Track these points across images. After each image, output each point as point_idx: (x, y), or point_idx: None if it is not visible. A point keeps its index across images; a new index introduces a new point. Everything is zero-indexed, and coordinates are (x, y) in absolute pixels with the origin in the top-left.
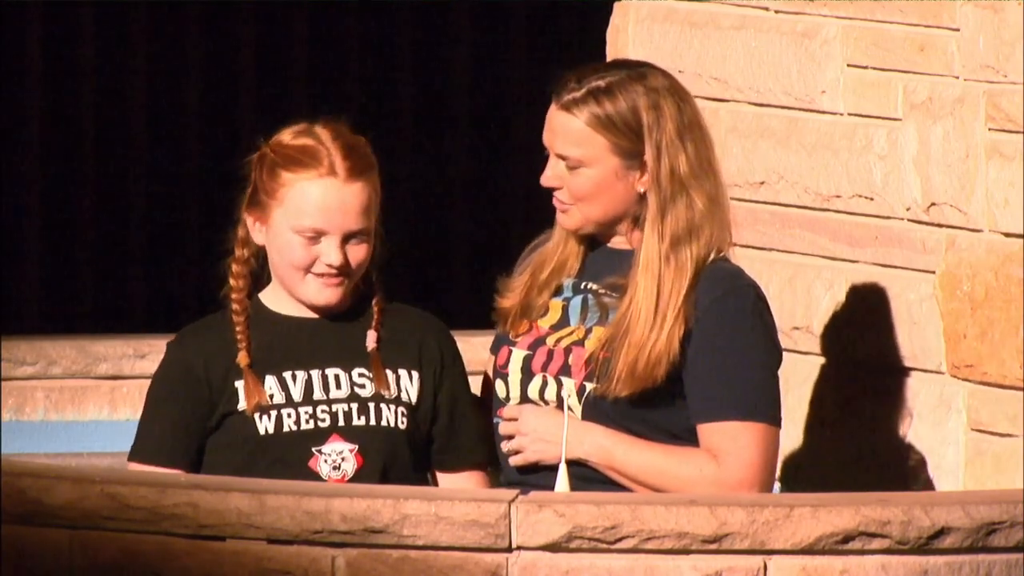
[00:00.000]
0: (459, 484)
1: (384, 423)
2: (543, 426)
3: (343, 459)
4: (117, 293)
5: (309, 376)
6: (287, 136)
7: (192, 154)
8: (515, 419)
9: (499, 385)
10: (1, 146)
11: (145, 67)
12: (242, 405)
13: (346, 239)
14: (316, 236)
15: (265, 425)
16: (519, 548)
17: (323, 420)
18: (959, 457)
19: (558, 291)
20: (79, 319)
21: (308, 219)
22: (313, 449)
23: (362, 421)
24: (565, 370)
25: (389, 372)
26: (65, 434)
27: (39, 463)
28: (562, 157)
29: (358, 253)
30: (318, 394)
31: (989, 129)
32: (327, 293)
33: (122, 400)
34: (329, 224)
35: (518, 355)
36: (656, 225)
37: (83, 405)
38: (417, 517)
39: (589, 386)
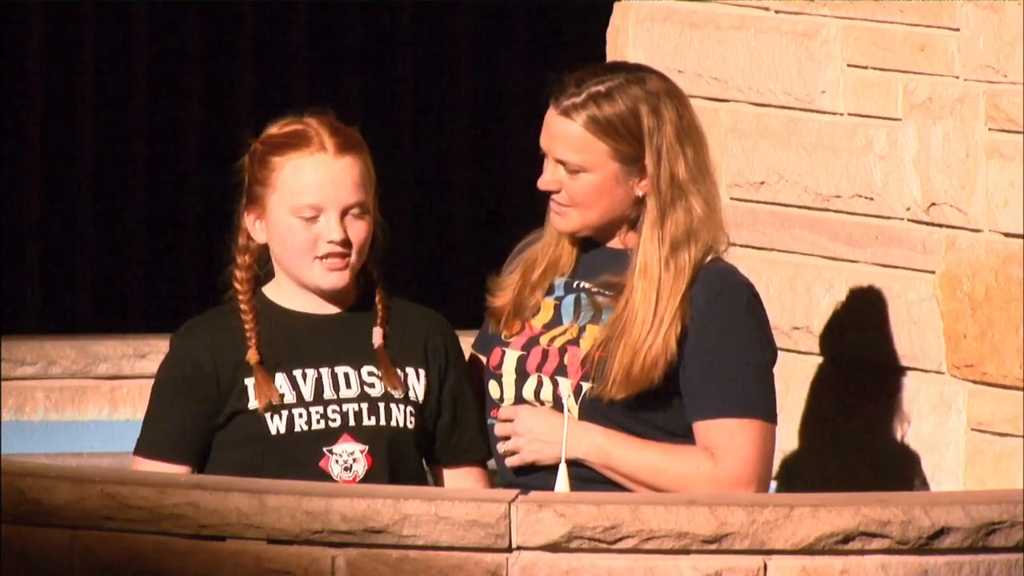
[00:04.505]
0: (459, 480)
1: (394, 423)
2: (539, 427)
3: (354, 459)
4: (117, 293)
5: (319, 374)
6: (275, 128)
7: (192, 154)
8: (510, 420)
9: (492, 386)
10: (1, 146)
11: (145, 67)
12: (252, 403)
13: (344, 213)
14: (314, 215)
15: (276, 425)
16: (519, 548)
17: (334, 420)
18: (959, 457)
19: (550, 290)
20: (79, 319)
21: (304, 197)
22: (324, 449)
23: (373, 421)
24: (560, 370)
25: (397, 370)
26: (65, 434)
27: (39, 463)
28: (561, 162)
29: (359, 230)
30: (328, 393)
31: (989, 129)
32: (333, 277)
33: (122, 400)
34: (325, 199)
35: (511, 356)
36: (655, 230)
37: (83, 405)
38: (417, 517)
39: (585, 386)
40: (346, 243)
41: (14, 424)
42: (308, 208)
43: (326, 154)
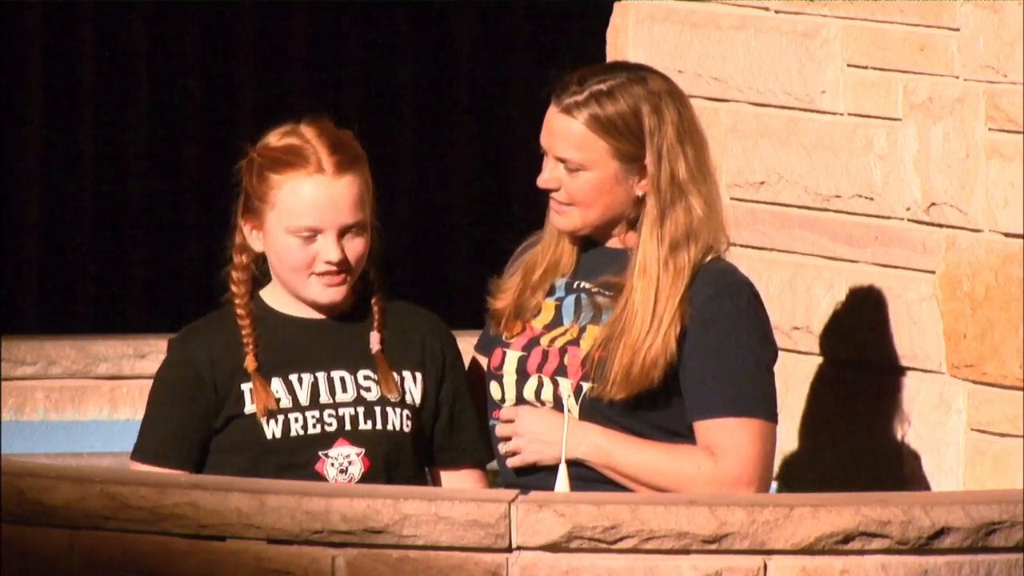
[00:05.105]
0: (458, 482)
1: (390, 427)
2: (540, 427)
3: (350, 462)
4: (117, 293)
5: (315, 379)
6: (272, 139)
7: (192, 154)
8: (512, 420)
9: (494, 387)
10: (1, 146)
11: (145, 67)
12: (249, 408)
13: (342, 234)
14: (312, 235)
15: (272, 429)
16: (519, 548)
17: (330, 424)
18: (959, 457)
19: (550, 291)
20: (79, 319)
21: (302, 219)
22: (320, 453)
23: (369, 425)
24: (561, 370)
25: (394, 374)
26: (65, 434)
27: (39, 463)
28: (561, 160)
29: (356, 247)
30: (324, 398)
31: (989, 129)
32: (331, 292)
33: (122, 400)
34: (323, 221)
35: (512, 356)
36: (655, 230)
37: (83, 405)
38: (417, 517)
39: (586, 386)
40: (344, 262)
41: (14, 424)
42: (306, 229)
43: (324, 175)
